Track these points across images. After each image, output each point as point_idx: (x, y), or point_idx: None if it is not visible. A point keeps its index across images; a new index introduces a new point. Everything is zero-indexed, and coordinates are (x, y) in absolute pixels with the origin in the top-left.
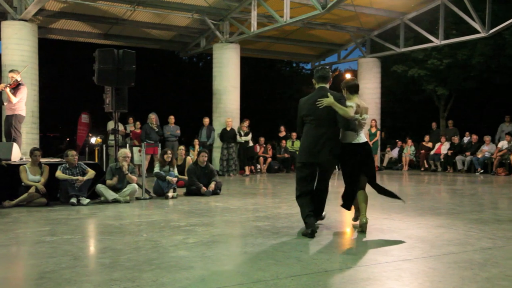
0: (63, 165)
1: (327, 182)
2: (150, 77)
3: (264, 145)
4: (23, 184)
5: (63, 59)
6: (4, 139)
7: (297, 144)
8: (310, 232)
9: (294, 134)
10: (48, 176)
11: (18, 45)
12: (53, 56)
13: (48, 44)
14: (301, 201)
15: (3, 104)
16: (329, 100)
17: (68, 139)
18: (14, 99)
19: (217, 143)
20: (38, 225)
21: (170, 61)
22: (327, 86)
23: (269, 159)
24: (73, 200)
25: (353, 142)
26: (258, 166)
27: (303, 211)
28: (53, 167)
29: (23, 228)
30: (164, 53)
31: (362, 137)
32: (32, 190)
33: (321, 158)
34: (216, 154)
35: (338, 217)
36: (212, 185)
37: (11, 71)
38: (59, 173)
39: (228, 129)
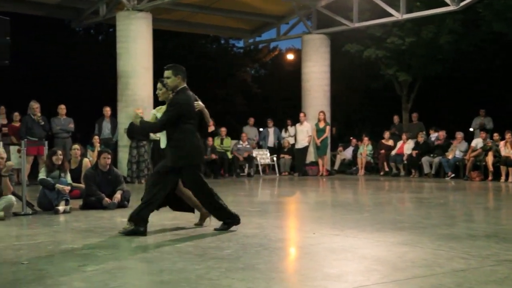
0: None
1: None
2: (31, 54)
3: None
4: None
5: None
6: None
7: (228, 142)
8: None
9: (223, 130)
10: None
11: None
12: None
13: None
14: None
15: None
16: (202, 105)
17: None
18: None
19: (124, 141)
20: None
21: (58, 32)
22: None
23: None
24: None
25: None
26: None
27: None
28: None
29: None
30: (51, 22)
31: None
32: None
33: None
34: (123, 155)
35: (279, 234)
36: (118, 195)
37: None
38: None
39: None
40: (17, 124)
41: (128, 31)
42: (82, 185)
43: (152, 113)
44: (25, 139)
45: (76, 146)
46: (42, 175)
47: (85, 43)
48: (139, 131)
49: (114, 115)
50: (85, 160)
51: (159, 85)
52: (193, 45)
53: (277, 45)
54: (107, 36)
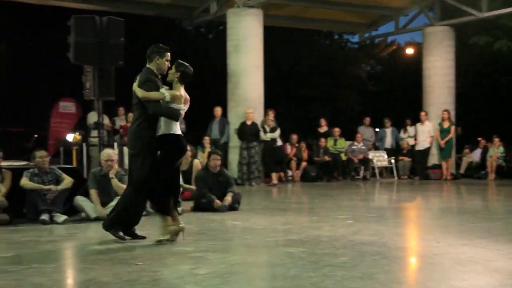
0: (31, 170)
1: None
2: (143, 54)
3: (297, 145)
4: None
5: (29, 30)
6: None
7: (341, 143)
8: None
9: (337, 130)
10: (10, 185)
11: None
12: (15, 27)
13: (7, 10)
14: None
15: None
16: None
17: (36, 135)
18: None
19: (234, 142)
20: None
21: (169, 32)
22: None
23: (304, 164)
24: (44, 217)
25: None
26: (290, 173)
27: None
28: (17, 173)
29: None
30: (162, 21)
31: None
32: None
33: None
34: (233, 157)
35: (399, 242)
36: (229, 198)
37: None
38: (25, 181)
39: (249, 123)
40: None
41: (239, 28)
42: (193, 187)
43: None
44: None
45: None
46: None
47: (196, 42)
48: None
49: (224, 115)
50: (196, 161)
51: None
52: (307, 42)
53: (395, 39)
54: (217, 35)
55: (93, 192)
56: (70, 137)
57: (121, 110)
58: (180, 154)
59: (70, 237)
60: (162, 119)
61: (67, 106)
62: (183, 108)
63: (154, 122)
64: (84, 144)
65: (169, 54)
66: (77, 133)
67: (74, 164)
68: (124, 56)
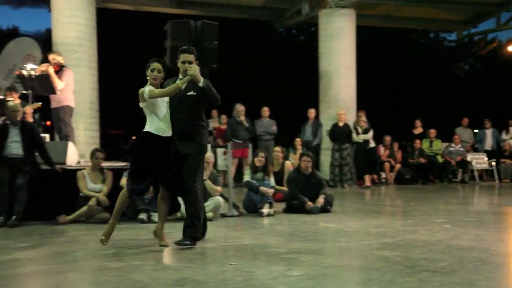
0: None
1: None
2: (236, 57)
3: (391, 147)
4: (81, 194)
5: (127, 35)
6: (57, 137)
7: (438, 144)
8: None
9: (433, 131)
10: (111, 185)
11: (72, 17)
12: (116, 31)
13: (109, 16)
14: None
15: (53, 93)
16: None
17: (134, 137)
18: (60, 84)
19: (326, 144)
20: (100, 247)
21: (262, 34)
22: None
23: (398, 166)
24: (143, 216)
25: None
26: (383, 175)
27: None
28: (117, 174)
29: (82, 251)
30: (254, 24)
31: None
32: (92, 202)
33: None
34: (325, 158)
35: (502, 248)
36: (321, 200)
37: (52, 52)
38: (125, 181)
39: (341, 124)
40: (224, 127)
41: (331, 29)
42: (285, 188)
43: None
44: (231, 142)
45: (278, 148)
46: (247, 177)
47: (287, 43)
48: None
49: (317, 117)
50: (287, 162)
51: (160, 66)
52: (401, 41)
53: (495, 36)
54: (308, 36)
55: None
56: None
57: (214, 112)
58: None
59: (167, 236)
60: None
61: None
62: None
63: None
64: None
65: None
66: None
67: None
68: (218, 59)
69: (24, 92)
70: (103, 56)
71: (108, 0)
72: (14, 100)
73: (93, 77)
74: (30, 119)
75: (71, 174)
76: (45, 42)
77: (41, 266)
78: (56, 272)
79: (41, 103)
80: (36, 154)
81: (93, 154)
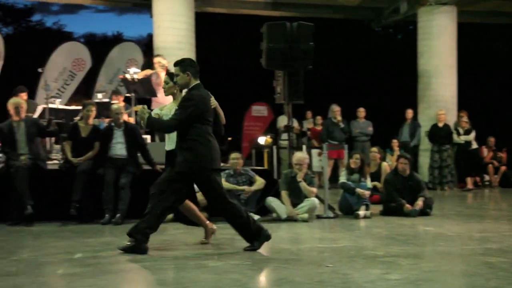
0: (227, 171)
1: None
2: (332, 57)
3: (495, 148)
4: None
5: (224, 38)
6: (157, 139)
7: None
8: None
9: None
10: None
11: (172, 22)
12: (212, 35)
13: (205, 20)
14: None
15: (154, 96)
16: (215, 102)
17: (230, 138)
18: None
19: (425, 145)
20: (199, 246)
21: (358, 34)
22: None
23: (503, 168)
24: None
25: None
26: (486, 177)
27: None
28: None
29: (182, 249)
30: (350, 24)
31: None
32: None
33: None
34: (424, 160)
35: None
36: (420, 202)
37: (158, 55)
38: (222, 182)
39: (441, 125)
40: (319, 128)
41: (431, 27)
42: (382, 190)
43: (154, 112)
44: (326, 143)
45: (375, 149)
46: (342, 178)
47: (384, 43)
48: (150, 127)
49: (415, 117)
50: (384, 164)
51: (166, 78)
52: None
53: None
54: (406, 35)
55: (284, 194)
56: (262, 140)
57: (309, 113)
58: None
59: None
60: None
61: (260, 110)
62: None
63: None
64: (274, 147)
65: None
66: (269, 136)
67: (265, 166)
68: (313, 59)
69: (128, 95)
70: (201, 59)
71: (206, 5)
72: (118, 103)
73: None
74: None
75: None
76: (147, 46)
77: (143, 263)
78: (157, 269)
79: (142, 105)
80: (138, 154)
81: None
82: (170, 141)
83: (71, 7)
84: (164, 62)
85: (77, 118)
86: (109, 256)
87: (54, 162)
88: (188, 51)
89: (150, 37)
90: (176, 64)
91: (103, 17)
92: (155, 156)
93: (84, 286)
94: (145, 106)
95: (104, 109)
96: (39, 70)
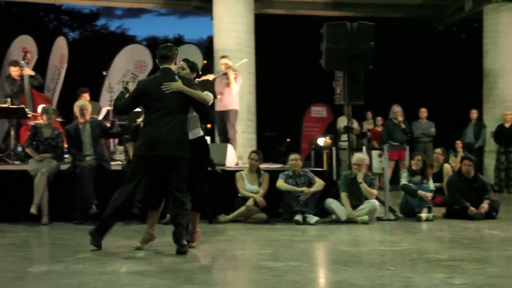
0: (286, 172)
1: (182, 185)
2: (392, 57)
3: None
4: (239, 195)
5: (283, 39)
6: (217, 140)
7: None
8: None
9: None
10: (268, 186)
11: (232, 24)
12: (272, 36)
13: (265, 21)
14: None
15: (215, 98)
16: (178, 84)
17: (288, 139)
18: (234, 88)
19: (490, 146)
20: (258, 246)
21: (419, 33)
22: (172, 67)
23: None
24: (298, 217)
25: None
26: None
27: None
28: (273, 175)
29: (241, 249)
30: (412, 23)
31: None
32: (250, 203)
33: (164, 151)
34: (489, 161)
35: None
36: (485, 205)
37: (223, 57)
38: (281, 183)
39: (507, 125)
40: (379, 129)
41: (497, 25)
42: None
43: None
44: (387, 144)
45: (439, 150)
46: (404, 180)
47: (447, 42)
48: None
49: (480, 118)
50: (446, 166)
51: (183, 64)
52: None
53: None
54: (470, 33)
55: (343, 195)
56: (321, 141)
57: (369, 114)
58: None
59: (322, 238)
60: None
61: (319, 111)
62: None
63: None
64: (334, 148)
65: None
66: (328, 137)
67: (325, 167)
68: (373, 60)
69: None
70: (261, 61)
71: (265, 6)
72: None
73: (251, 82)
74: None
75: (230, 175)
76: (207, 49)
77: (204, 263)
78: (217, 269)
79: None
80: None
81: (250, 156)
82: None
83: (134, 11)
84: (230, 63)
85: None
86: (171, 255)
87: (117, 163)
88: (247, 53)
89: (210, 39)
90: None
91: (165, 21)
92: (215, 157)
93: (147, 285)
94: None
95: None
96: (104, 73)
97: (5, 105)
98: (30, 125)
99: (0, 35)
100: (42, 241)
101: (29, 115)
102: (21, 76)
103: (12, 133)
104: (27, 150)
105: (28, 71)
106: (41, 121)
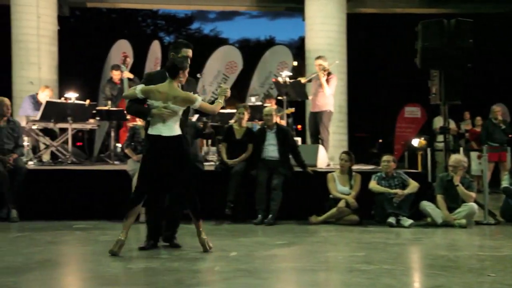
0: (379, 174)
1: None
2: (492, 55)
3: None
4: (331, 196)
5: (375, 38)
6: (308, 141)
7: None
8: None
9: None
10: (360, 188)
11: (324, 25)
12: (364, 36)
13: (356, 21)
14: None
15: (307, 99)
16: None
17: (381, 140)
18: (327, 89)
19: None
20: (350, 248)
21: None
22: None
23: None
24: (391, 220)
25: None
26: None
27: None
28: (365, 177)
29: (333, 251)
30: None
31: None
32: (341, 204)
33: None
34: None
35: None
36: None
37: (318, 57)
38: (373, 185)
39: None
40: (478, 129)
41: None
42: None
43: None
44: (486, 145)
45: None
46: (505, 183)
47: None
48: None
49: None
50: None
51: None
52: None
53: None
54: None
55: (439, 198)
56: (415, 142)
57: (467, 114)
58: (148, 156)
59: (417, 242)
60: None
61: (413, 111)
62: (162, 104)
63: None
64: (429, 149)
65: (188, 50)
66: (422, 138)
67: (419, 169)
68: (472, 58)
69: (279, 98)
70: (352, 61)
71: (358, 6)
72: (270, 106)
73: (343, 82)
74: (284, 123)
75: (322, 176)
76: (298, 49)
77: (295, 264)
78: (309, 270)
79: (294, 108)
80: (290, 156)
81: (341, 157)
82: (165, 127)
83: (227, 14)
84: (325, 64)
85: (232, 121)
86: (262, 255)
87: (210, 164)
88: (338, 53)
89: (301, 40)
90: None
91: (257, 23)
92: (306, 158)
93: (240, 284)
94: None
95: (257, 112)
96: (198, 75)
97: (106, 108)
98: (129, 127)
99: (102, 40)
100: (140, 238)
101: (128, 117)
102: (121, 79)
103: (112, 134)
104: (126, 151)
105: (127, 74)
106: (139, 122)
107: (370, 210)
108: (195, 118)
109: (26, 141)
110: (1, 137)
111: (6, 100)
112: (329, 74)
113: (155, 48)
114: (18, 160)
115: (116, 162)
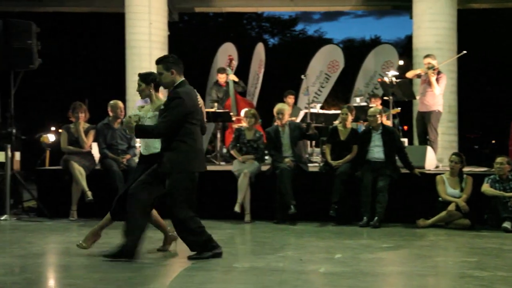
0: (492, 176)
1: None
2: None
3: None
4: (440, 199)
5: (487, 34)
6: (415, 142)
7: None
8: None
9: None
10: (471, 190)
11: (433, 22)
12: (474, 31)
13: (465, 17)
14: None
15: (414, 98)
16: (201, 101)
17: (494, 141)
18: (437, 89)
19: None
20: (461, 253)
21: None
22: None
23: None
24: (507, 224)
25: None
26: None
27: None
28: (477, 179)
29: (442, 256)
30: None
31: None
32: (451, 207)
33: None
34: None
35: None
36: None
37: (427, 56)
38: (486, 188)
39: None
40: None
41: None
42: None
43: (133, 114)
44: None
45: None
46: None
47: None
48: (139, 136)
49: None
50: None
51: (138, 80)
52: None
53: None
54: None
55: None
56: None
57: None
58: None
59: None
60: None
61: None
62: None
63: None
64: None
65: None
66: None
67: None
68: None
69: (385, 98)
70: (463, 57)
71: (470, 1)
72: (376, 106)
73: (453, 81)
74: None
75: (430, 178)
76: (404, 48)
77: (402, 267)
78: (417, 275)
79: (400, 108)
80: (396, 158)
81: (451, 159)
82: (146, 145)
83: (332, 14)
84: (434, 62)
85: (336, 122)
86: (368, 258)
87: (314, 165)
88: (447, 51)
89: (407, 39)
90: (158, 62)
91: (362, 22)
92: (413, 160)
93: (345, 286)
94: (132, 115)
95: (361, 112)
96: (302, 77)
97: (212, 110)
98: (234, 128)
99: (209, 44)
100: (245, 238)
101: (233, 119)
102: (227, 82)
103: (218, 135)
104: (232, 152)
105: (233, 77)
106: (244, 124)
107: (483, 214)
108: (299, 119)
109: (138, 143)
110: (115, 139)
111: (120, 103)
112: (438, 73)
113: (260, 50)
114: (131, 160)
115: (222, 163)
